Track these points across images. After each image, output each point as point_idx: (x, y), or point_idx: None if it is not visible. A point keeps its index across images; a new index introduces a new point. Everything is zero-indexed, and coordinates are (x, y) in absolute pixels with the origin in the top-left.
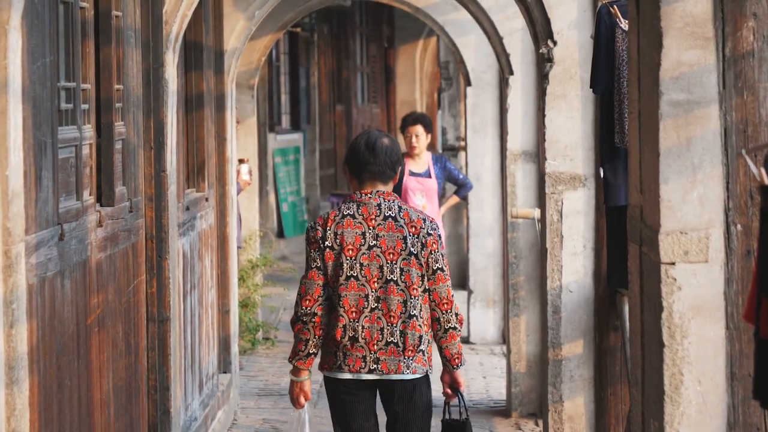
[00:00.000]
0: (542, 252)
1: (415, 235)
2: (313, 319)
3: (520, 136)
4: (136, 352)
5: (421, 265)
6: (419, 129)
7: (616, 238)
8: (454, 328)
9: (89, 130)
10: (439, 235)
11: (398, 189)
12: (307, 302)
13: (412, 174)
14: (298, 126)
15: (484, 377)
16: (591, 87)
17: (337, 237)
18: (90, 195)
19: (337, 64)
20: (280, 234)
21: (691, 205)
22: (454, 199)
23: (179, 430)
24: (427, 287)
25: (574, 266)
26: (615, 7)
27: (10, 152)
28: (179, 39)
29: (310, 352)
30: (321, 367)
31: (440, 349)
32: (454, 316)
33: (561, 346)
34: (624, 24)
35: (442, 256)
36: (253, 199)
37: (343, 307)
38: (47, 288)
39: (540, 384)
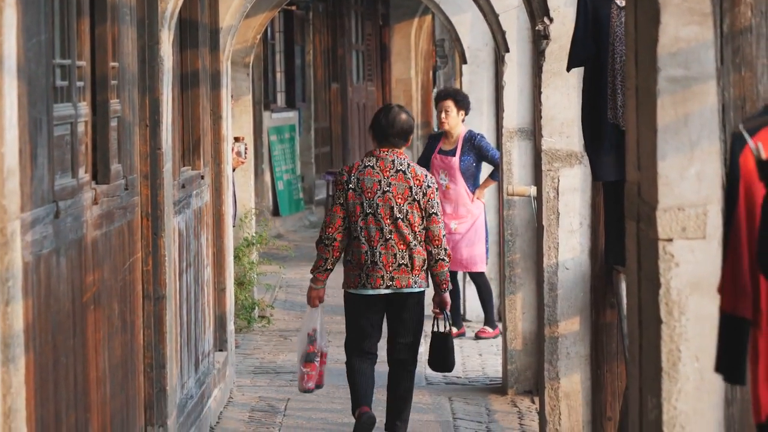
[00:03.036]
0: (538, 229)
1: (418, 186)
2: (333, 243)
3: (516, 114)
4: (132, 330)
5: (421, 208)
6: (449, 103)
7: (614, 214)
8: (443, 260)
9: (84, 108)
10: (436, 188)
11: (427, 166)
12: (330, 229)
13: (440, 152)
14: (294, 104)
15: (480, 355)
16: (567, 66)
17: (359, 182)
18: (85, 173)
19: (332, 42)
20: (276, 212)
21: (689, 182)
22: (489, 183)
23: (175, 407)
24: (425, 226)
25: (570, 243)
26: None
27: (6, 130)
28: (175, 16)
29: (328, 267)
30: (346, 286)
31: (432, 276)
32: (443, 250)
33: (557, 323)
34: (620, 0)
35: (438, 203)
36: (248, 178)
37: (364, 237)
38: (43, 266)
39: (536, 361)
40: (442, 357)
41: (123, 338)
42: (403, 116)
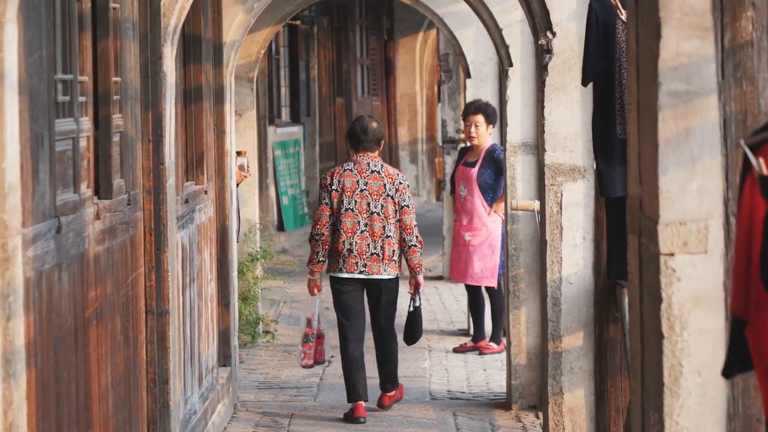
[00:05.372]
0: (542, 244)
1: (391, 183)
2: (322, 237)
3: (519, 128)
4: (134, 345)
5: (395, 203)
6: (480, 118)
7: (616, 229)
8: (415, 246)
9: (87, 123)
10: (408, 185)
11: (454, 178)
12: (319, 226)
13: (465, 164)
14: (298, 119)
15: (484, 370)
16: (582, 81)
17: (340, 183)
18: (88, 188)
19: (337, 56)
20: (281, 227)
21: (690, 196)
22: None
23: (179, 423)
24: (398, 218)
25: (573, 258)
26: None
27: (7, 145)
28: (177, 31)
29: (320, 259)
30: (328, 270)
31: (406, 260)
32: (415, 238)
33: (561, 338)
34: (624, 15)
35: (409, 197)
36: (253, 192)
37: (343, 229)
38: (44, 281)
39: (540, 376)
40: (411, 329)
41: (125, 353)
42: (374, 124)
